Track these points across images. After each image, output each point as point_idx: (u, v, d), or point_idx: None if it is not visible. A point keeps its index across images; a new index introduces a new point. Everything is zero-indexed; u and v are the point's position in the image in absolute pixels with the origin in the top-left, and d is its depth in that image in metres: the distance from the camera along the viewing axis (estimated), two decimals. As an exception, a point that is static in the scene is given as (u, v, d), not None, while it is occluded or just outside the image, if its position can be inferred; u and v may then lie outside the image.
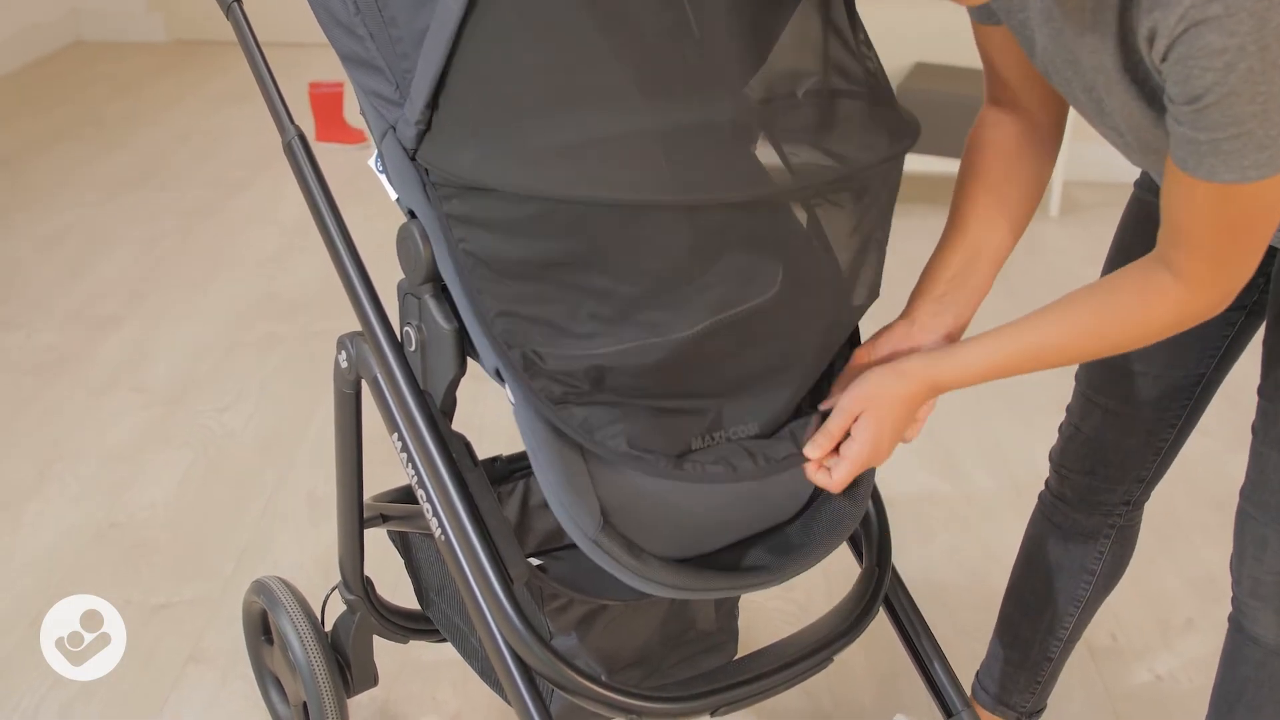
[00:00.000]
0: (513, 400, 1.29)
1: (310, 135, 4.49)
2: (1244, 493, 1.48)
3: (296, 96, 4.55)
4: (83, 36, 6.06)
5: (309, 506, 2.50)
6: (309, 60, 4.89)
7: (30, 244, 3.75)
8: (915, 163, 3.92)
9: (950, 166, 3.95)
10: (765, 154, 1.26)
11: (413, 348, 1.40)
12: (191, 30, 6.01)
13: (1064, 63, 1.28)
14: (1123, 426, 1.63)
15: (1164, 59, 1.13)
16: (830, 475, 1.34)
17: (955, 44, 4.18)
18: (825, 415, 1.38)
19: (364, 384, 1.52)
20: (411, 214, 1.37)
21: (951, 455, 2.77)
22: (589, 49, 1.20)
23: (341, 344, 1.54)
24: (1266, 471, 1.44)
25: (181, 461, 2.65)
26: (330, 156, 4.27)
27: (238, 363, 3.08)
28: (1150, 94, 1.21)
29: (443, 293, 1.36)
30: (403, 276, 1.39)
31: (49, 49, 5.82)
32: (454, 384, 1.39)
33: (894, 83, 3.79)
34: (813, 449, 1.34)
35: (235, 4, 1.54)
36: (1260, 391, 1.45)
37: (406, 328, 1.41)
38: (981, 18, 1.41)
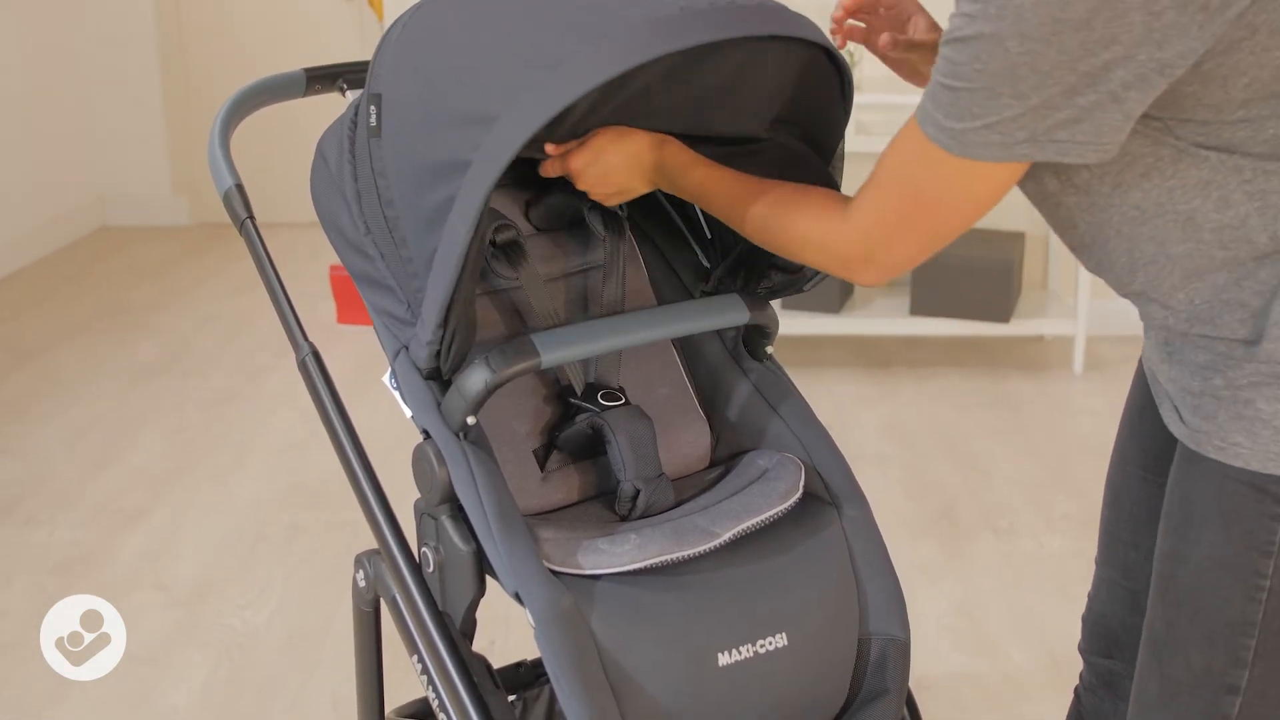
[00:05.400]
0: (533, 624, 1.27)
1: (331, 318, 4.51)
2: None
3: (318, 278, 4.61)
4: (108, 222, 6.16)
5: (333, 709, 2.45)
6: (330, 242, 4.95)
7: (57, 436, 3.77)
8: (937, 326, 3.93)
9: (968, 329, 3.98)
10: None
11: (431, 569, 1.38)
12: (216, 213, 6.09)
13: None
14: (1127, 602, 1.56)
15: None
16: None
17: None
18: None
19: (383, 602, 1.51)
20: (426, 434, 1.36)
21: (986, 633, 2.70)
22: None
23: (359, 563, 1.52)
24: None
25: (205, 664, 2.61)
26: (351, 339, 4.28)
27: (261, 556, 3.06)
28: None
29: (459, 513, 1.35)
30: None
31: (75, 236, 5.91)
32: (473, 605, 1.37)
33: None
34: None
35: (248, 220, 1.56)
36: None
37: (424, 549, 1.39)
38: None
